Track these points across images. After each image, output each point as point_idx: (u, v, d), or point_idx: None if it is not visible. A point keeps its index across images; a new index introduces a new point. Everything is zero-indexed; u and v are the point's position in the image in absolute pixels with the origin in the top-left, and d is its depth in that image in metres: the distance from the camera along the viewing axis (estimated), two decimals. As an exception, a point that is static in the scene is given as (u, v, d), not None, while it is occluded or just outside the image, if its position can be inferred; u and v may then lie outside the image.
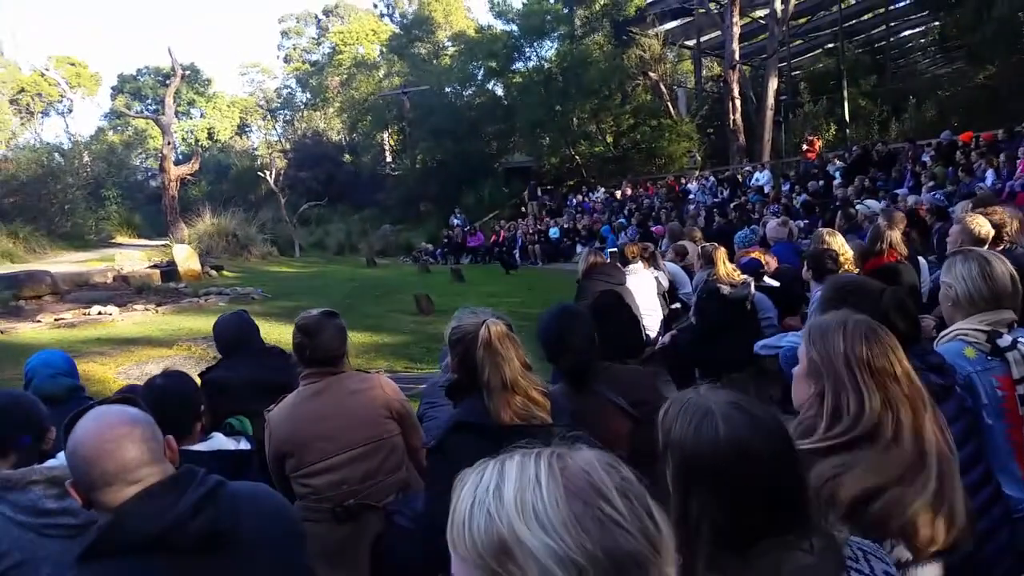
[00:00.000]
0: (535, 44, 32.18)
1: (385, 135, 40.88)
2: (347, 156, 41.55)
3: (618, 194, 25.25)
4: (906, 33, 30.04)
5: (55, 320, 10.90)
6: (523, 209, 28.57)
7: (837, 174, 17.31)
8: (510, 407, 2.17)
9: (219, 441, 2.60)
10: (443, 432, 2.23)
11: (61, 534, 2.07)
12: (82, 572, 1.56)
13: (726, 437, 1.29)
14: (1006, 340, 2.47)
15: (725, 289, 5.67)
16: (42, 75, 44.99)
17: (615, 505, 0.85)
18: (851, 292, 2.34)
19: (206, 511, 1.61)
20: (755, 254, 6.39)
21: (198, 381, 3.08)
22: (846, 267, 5.22)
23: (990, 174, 13.10)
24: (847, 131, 23.27)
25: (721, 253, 5.95)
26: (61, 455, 2.38)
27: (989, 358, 2.45)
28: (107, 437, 1.63)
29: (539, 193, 28.31)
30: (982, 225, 4.28)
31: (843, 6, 26.16)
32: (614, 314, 5.11)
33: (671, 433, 1.36)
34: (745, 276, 5.82)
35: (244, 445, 2.64)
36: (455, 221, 27.85)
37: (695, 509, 1.31)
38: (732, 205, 17.81)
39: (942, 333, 2.69)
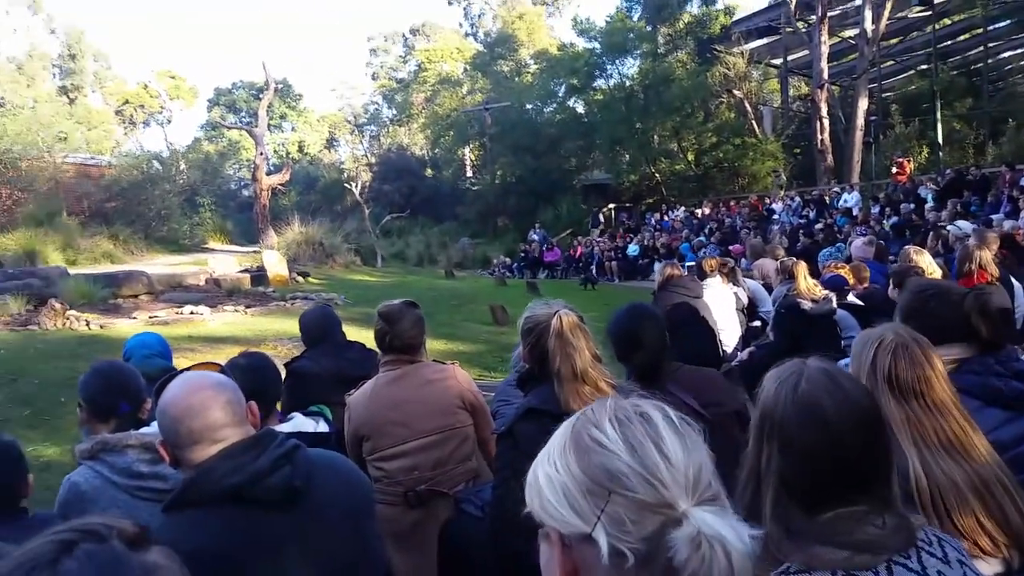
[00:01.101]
0: (617, 61, 32.17)
1: (466, 150, 41.53)
2: (429, 170, 42.39)
3: (698, 213, 24.93)
4: (1006, 54, 28.78)
5: (149, 317, 11.43)
6: (592, 230, 28.43)
7: (929, 197, 16.69)
8: (579, 396, 2.20)
9: (299, 422, 2.70)
10: (513, 418, 2.28)
11: (152, 497, 2.19)
12: (167, 521, 1.65)
13: (801, 395, 1.32)
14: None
15: (806, 304, 5.54)
16: (145, 88, 47.51)
17: (603, 429, 0.93)
18: (932, 296, 2.28)
19: (283, 469, 1.69)
20: (843, 271, 6.22)
21: (283, 371, 3.21)
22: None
23: (1096, 200, 12.42)
24: (940, 154, 22.41)
25: (802, 267, 5.82)
26: (155, 424, 2.54)
27: None
28: (194, 398, 1.73)
29: (601, 219, 28.05)
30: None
31: (937, 27, 25.29)
32: (689, 326, 5.09)
33: (762, 388, 1.40)
34: (827, 292, 5.67)
35: (323, 427, 2.74)
36: (534, 236, 27.94)
37: (765, 462, 1.34)
38: (818, 226, 17.37)
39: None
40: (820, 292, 5.68)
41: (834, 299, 5.58)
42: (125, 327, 10.90)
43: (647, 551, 0.85)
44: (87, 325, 10.69)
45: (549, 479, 0.94)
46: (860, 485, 1.27)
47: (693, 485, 0.88)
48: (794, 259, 6.10)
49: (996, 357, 2.14)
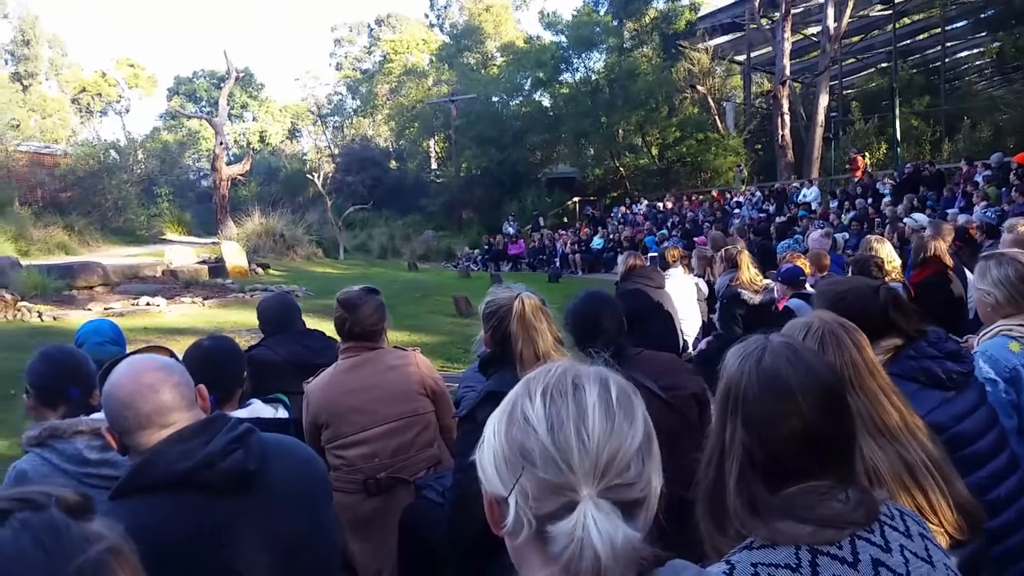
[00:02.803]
0: (583, 55, 32.26)
1: (431, 142, 41.29)
2: (393, 162, 42.00)
3: (661, 206, 25.12)
4: (963, 54, 29.48)
5: (105, 309, 11.20)
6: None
7: (887, 192, 17.03)
8: (542, 379, 2.19)
9: (257, 408, 2.65)
10: (474, 401, 2.26)
11: (101, 484, 2.12)
12: (113, 509, 1.59)
13: (765, 368, 1.32)
14: (1044, 336, 2.45)
15: (747, 295, 5.59)
16: (103, 76, 46.42)
17: (533, 402, 0.95)
18: (848, 291, 2.31)
19: (235, 453, 1.66)
20: (799, 261, 6.30)
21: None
22: (892, 276, 5.13)
23: (1046, 196, 12.77)
24: (898, 150, 22.87)
25: (745, 257, 5.87)
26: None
27: None
28: (142, 381, 1.68)
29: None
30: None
31: (897, 26, 25.75)
32: (650, 315, 5.11)
33: (725, 364, 1.40)
34: (768, 282, 5.73)
35: (282, 413, 2.70)
36: (508, 229, 27.76)
37: (729, 437, 1.34)
38: (778, 220, 17.62)
39: (984, 331, 2.66)
40: (762, 282, 5.74)
41: (776, 289, 5.63)
42: (79, 319, 10.65)
43: (539, 528, 0.89)
44: (39, 317, 10.45)
45: (488, 441, 0.98)
46: (823, 459, 1.27)
47: (603, 470, 0.90)
48: (739, 248, 6.14)
49: (928, 340, 2.20)
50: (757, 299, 5.53)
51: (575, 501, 0.88)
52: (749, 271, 5.81)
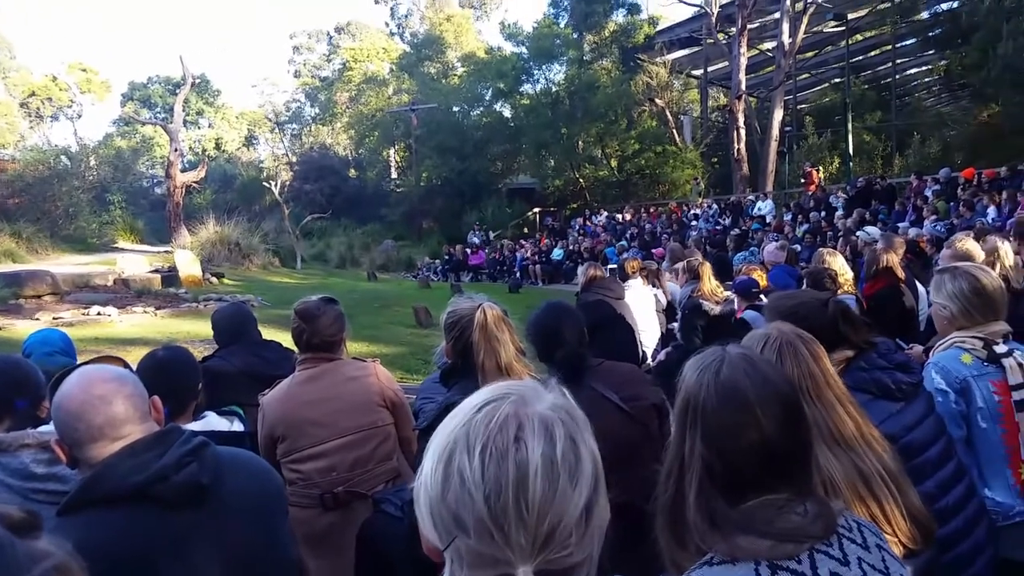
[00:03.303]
0: (544, 67, 32.49)
1: (391, 151, 41.13)
2: (352, 171, 41.75)
3: (620, 218, 25.35)
4: (912, 71, 30.36)
5: (53, 319, 10.90)
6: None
7: (839, 205, 17.41)
8: (503, 390, 2.18)
9: (212, 421, 2.59)
10: (435, 413, 2.24)
11: (48, 500, 2.05)
12: (62, 524, 1.56)
13: (723, 380, 1.32)
14: (1002, 348, 2.51)
15: (708, 306, 5.66)
16: (53, 80, 45.32)
17: (472, 459, 0.88)
18: (799, 305, 2.34)
19: (189, 467, 1.62)
20: (756, 273, 6.39)
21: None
22: (845, 288, 5.22)
23: (992, 210, 13.19)
24: (850, 164, 23.43)
25: (707, 269, 5.95)
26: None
27: (985, 364, 2.49)
28: (94, 392, 1.64)
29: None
30: (973, 249, 4.32)
31: (850, 43, 26.43)
32: (609, 326, 5.13)
33: (683, 376, 1.40)
34: (728, 293, 5.81)
35: (237, 426, 2.64)
36: (474, 239, 27.59)
37: (688, 451, 1.33)
38: (734, 232, 17.90)
39: (938, 342, 2.71)
40: (723, 293, 5.82)
41: (736, 301, 5.71)
42: (27, 328, 10.35)
43: None
44: (-16, 326, 10.12)
45: (424, 486, 0.92)
46: (781, 471, 1.27)
47: (542, 544, 0.85)
48: (700, 260, 6.21)
49: (878, 352, 2.24)
50: (718, 310, 5.59)
51: (511, 574, 0.85)
52: (710, 282, 5.88)
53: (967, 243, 4.72)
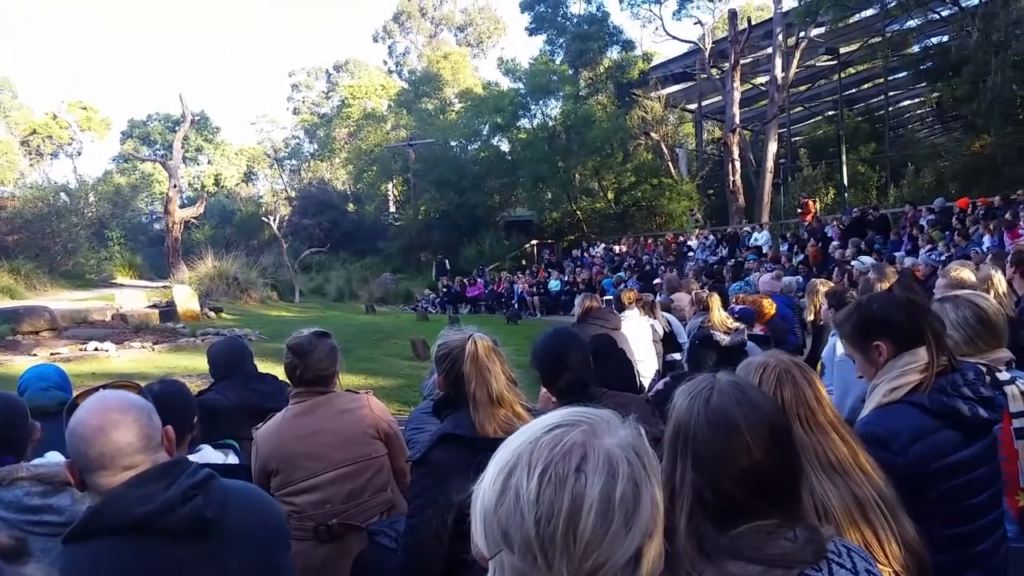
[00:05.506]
0: (540, 102, 32.77)
1: (390, 185, 41.33)
2: (351, 205, 41.94)
3: (617, 249, 25.43)
4: (905, 103, 30.67)
5: (51, 355, 10.90)
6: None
7: (834, 236, 17.50)
8: (495, 420, 2.19)
9: (207, 454, 2.60)
10: (428, 444, 2.24)
11: (44, 532, 2.07)
12: (67, 552, 1.57)
13: (713, 407, 1.34)
14: (1005, 375, 2.51)
15: (719, 336, 5.68)
16: (54, 118, 45.69)
17: (530, 479, 0.88)
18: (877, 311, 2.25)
19: (195, 499, 1.63)
20: (766, 301, 6.40)
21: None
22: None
23: (987, 239, 13.25)
24: (845, 195, 23.58)
25: (716, 300, 5.98)
26: (49, 455, 2.39)
27: None
28: (107, 419, 1.65)
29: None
30: (967, 277, 4.35)
31: (843, 76, 26.77)
32: (607, 357, 5.13)
33: (674, 404, 1.41)
34: (739, 324, 5.84)
35: (232, 459, 2.64)
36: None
37: (679, 478, 1.34)
38: (730, 263, 17.95)
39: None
40: (733, 324, 5.84)
41: (746, 330, 5.75)
42: (24, 364, 10.33)
43: None
44: (-19, 362, 10.10)
45: (481, 497, 0.93)
46: (771, 497, 1.28)
47: (589, 572, 0.85)
48: (708, 291, 6.25)
49: (964, 379, 2.11)
50: (728, 340, 5.60)
51: None
52: (720, 313, 5.90)
53: (962, 271, 4.74)
